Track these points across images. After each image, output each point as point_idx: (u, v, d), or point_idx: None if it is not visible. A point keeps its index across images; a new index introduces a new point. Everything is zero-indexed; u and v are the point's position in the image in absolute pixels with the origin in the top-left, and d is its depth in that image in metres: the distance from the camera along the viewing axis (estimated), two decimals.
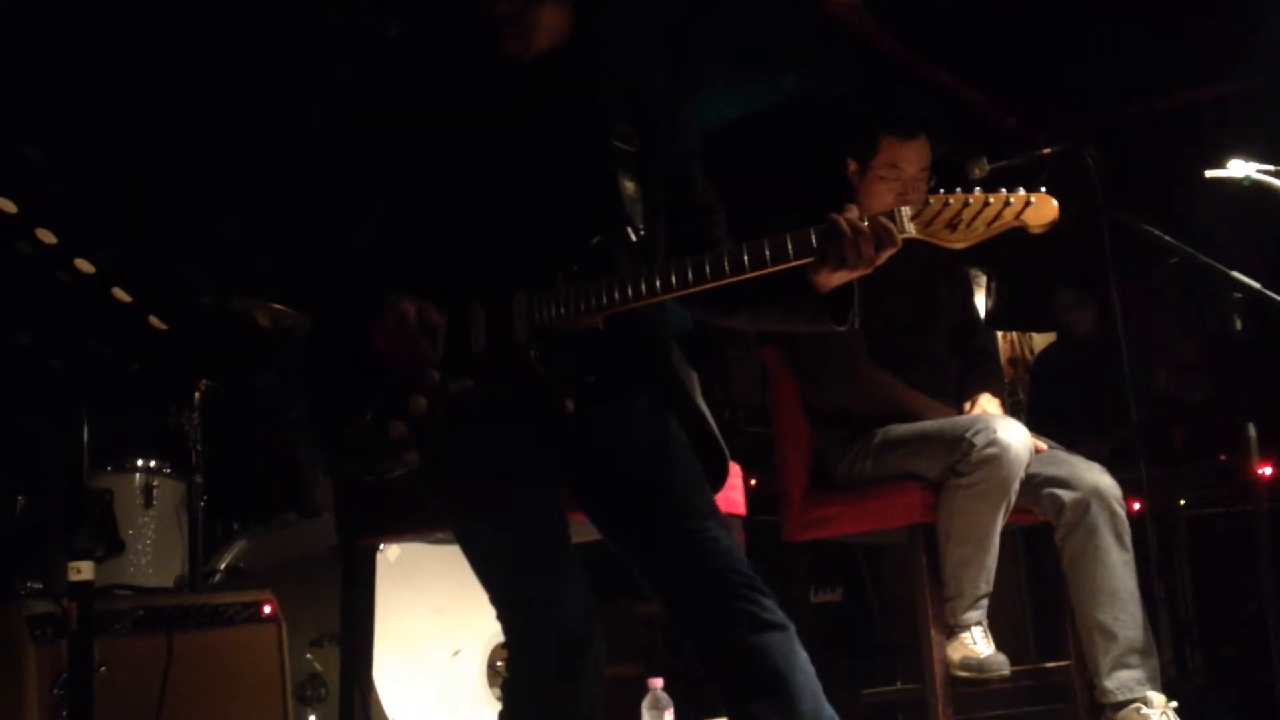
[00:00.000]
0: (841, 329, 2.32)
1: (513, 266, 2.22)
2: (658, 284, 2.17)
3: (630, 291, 2.17)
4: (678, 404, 2.37)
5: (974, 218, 2.22)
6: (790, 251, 2.16)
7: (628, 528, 2.28)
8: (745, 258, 2.16)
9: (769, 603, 2.19)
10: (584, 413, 2.24)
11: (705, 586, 2.18)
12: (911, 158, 3.50)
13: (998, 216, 2.22)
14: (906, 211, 2.21)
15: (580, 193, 2.29)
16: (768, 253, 2.16)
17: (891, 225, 2.17)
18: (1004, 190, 2.23)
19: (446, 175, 2.29)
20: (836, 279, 2.23)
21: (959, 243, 2.25)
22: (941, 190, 2.24)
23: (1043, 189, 2.25)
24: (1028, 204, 2.22)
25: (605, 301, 2.18)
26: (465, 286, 2.23)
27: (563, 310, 2.19)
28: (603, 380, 2.25)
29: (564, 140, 2.33)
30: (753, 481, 4.45)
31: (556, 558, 2.22)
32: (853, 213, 2.19)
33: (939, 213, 2.21)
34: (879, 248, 2.17)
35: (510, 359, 2.20)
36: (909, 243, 2.26)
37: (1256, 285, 3.14)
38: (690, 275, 2.16)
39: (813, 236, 2.16)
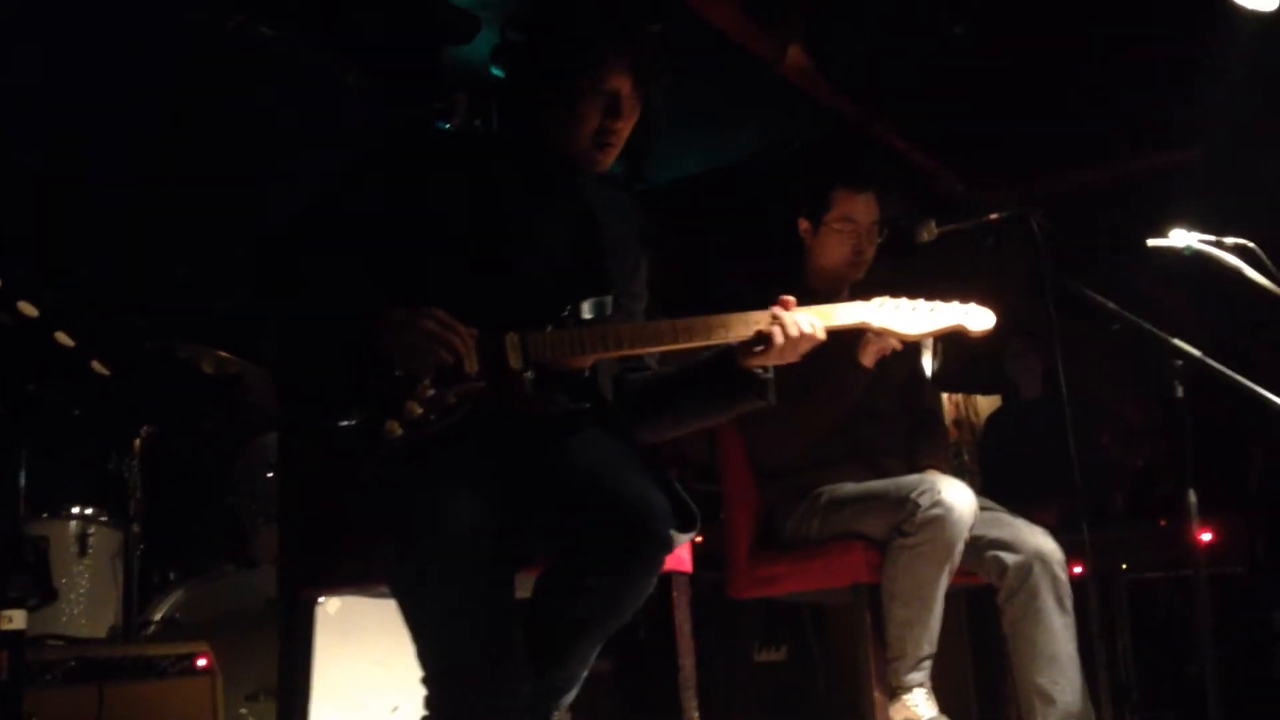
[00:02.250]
0: (764, 403, 2.54)
1: (505, 315, 2.37)
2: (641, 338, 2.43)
3: (618, 340, 2.40)
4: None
5: (924, 317, 2.67)
6: (714, 336, 2.45)
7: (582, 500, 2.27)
8: (693, 327, 2.44)
9: None
10: (562, 442, 2.35)
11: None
12: (865, 209, 3.59)
13: (943, 319, 2.68)
14: (875, 303, 2.64)
15: (573, 267, 2.52)
16: (700, 334, 2.44)
17: (817, 331, 2.49)
18: (948, 303, 2.70)
19: (459, 231, 2.45)
20: (760, 362, 2.49)
21: (910, 336, 2.69)
22: (897, 298, 2.68)
23: (977, 307, 2.70)
24: (967, 311, 2.70)
25: (600, 345, 2.38)
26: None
27: (555, 352, 2.36)
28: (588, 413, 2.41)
29: (565, 224, 2.58)
30: (699, 539, 4.46)
31: (501, 609, 2.22)
32: (791, 304, 2.50)
33: (895, 308, 2.66)
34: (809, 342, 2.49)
35: (503, 382, 2.32)
36: (858, 299, 2.54)
37: (1198, 353, 3.19)
38: (663, 335, 2.43)
39: (745, 331, 2.45)
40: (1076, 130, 5.67)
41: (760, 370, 2.51)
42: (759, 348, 2.46)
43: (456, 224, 2.46)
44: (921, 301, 2.70)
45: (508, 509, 2.28)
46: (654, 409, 2.60)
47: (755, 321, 2.48)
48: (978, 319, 2.72)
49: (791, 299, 2.51)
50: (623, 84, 2.49)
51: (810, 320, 2.48)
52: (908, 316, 2.68)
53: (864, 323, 2.63)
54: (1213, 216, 3.34)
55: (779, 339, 2.45)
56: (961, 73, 5.28)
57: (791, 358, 2.48)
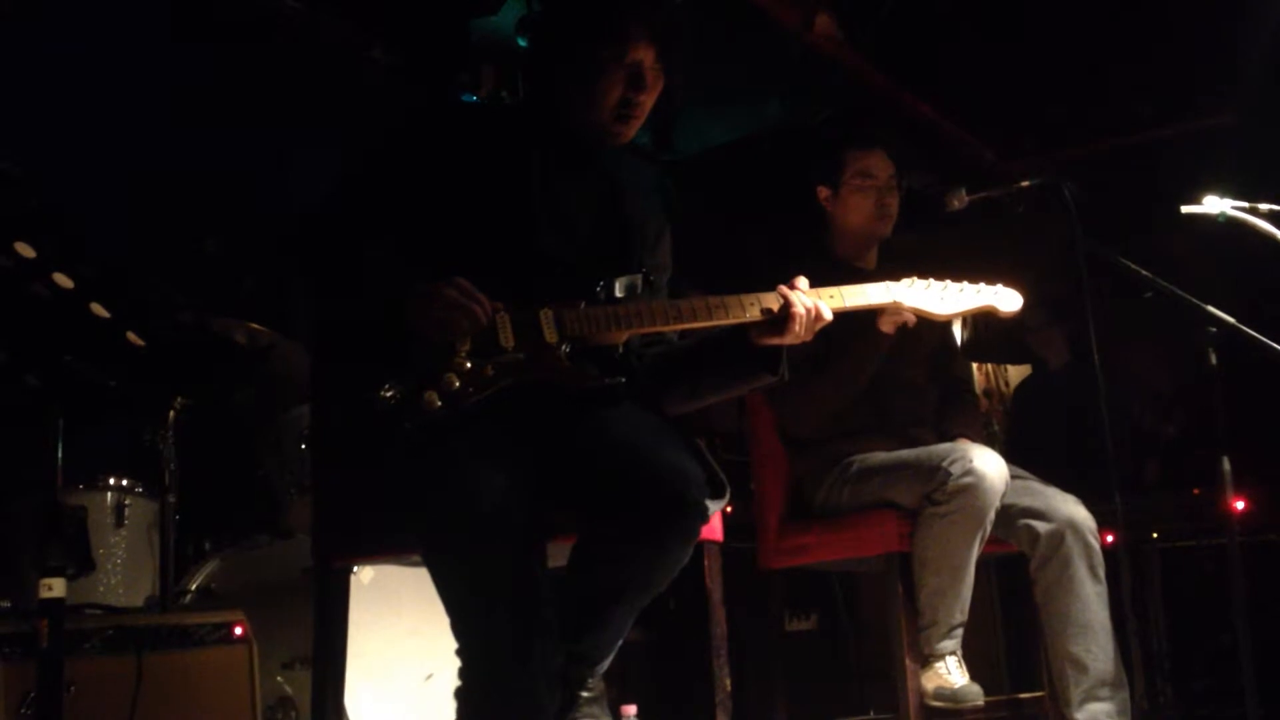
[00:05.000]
0: (776, 379, 2.57)
1: (538, 291, 2.38)
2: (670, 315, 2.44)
3: (651, 317, 2.41)
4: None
5: (954, 297, 2.76)
6: (745, 313, 2.47)
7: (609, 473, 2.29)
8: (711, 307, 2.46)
9: None
10: (596, 414, 2.36)
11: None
12: (879, 164, 3.61)
13: (973, 299, 2.78)
14: (905, 283, 2.68)
15: (603, 244, 2.56)
16: (728, 312, 2.47)
17: (823, 307, 2.50)
18: (975, 284, 2.79)
19: (487, 207, 2.47)
20: (773, 342, 2.51)
21: (941, 316, 2.77)
22: (928, 279, 2.76)
23: (1006, 288, 2.80)
24: (996, 292, 2.82)
25: (634, 322, 2.40)
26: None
27: (588, 327, 2.38)
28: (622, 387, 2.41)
29: (591, 198, 2.61)
30: (729, 509, 4.50)
31: (532, 581, 2.22)
32: (803, 284, 2.50)
33: (926, 288, 2.74)
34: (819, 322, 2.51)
35: (540, 355, 2.35)
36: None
37: (1231, 320, 3.17)
38: (696, 313, 2.45)
39: (772, 306, 2.47)
40: (1108, 97, 5.62)
41: (774, 346, 2.52)
42: (774, 326, 2.48)
43: (484, 200, 2.48)
44: (950, 282, 2.76)
45: (540, 481, 2.29)
46: (671, 383, 2.61)
47: (780, 300, 2.50)
48: (1007, 300, 2.80)
49: (804, 280, 2.52)
50: (645, 55, 2.49)
51: (818, 302, 2.50)
52: (938, 297, 2.74)
53: (896, 302, 2.66)
54: (1247, 182, 3.31)
55: (797, 322, 2.46)
56: (991, 40, 5.24)
57: (806, 337, 2.50)
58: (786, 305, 2.47)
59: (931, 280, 2.75)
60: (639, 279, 2.49)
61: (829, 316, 2.52)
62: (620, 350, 2.51)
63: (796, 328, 2.47)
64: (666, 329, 2.49)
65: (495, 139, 2.56)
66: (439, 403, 2.26)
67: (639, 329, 2.44)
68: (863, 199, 3.60)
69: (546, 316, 2.36)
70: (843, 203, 3.64)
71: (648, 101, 2.53)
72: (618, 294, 2.45)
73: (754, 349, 2.53)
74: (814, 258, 3.68)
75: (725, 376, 2.63)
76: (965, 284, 2.77)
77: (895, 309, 2.78)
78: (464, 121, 2.62)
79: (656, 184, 2.64)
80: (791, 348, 2.56)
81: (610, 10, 2.49)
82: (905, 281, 2.72)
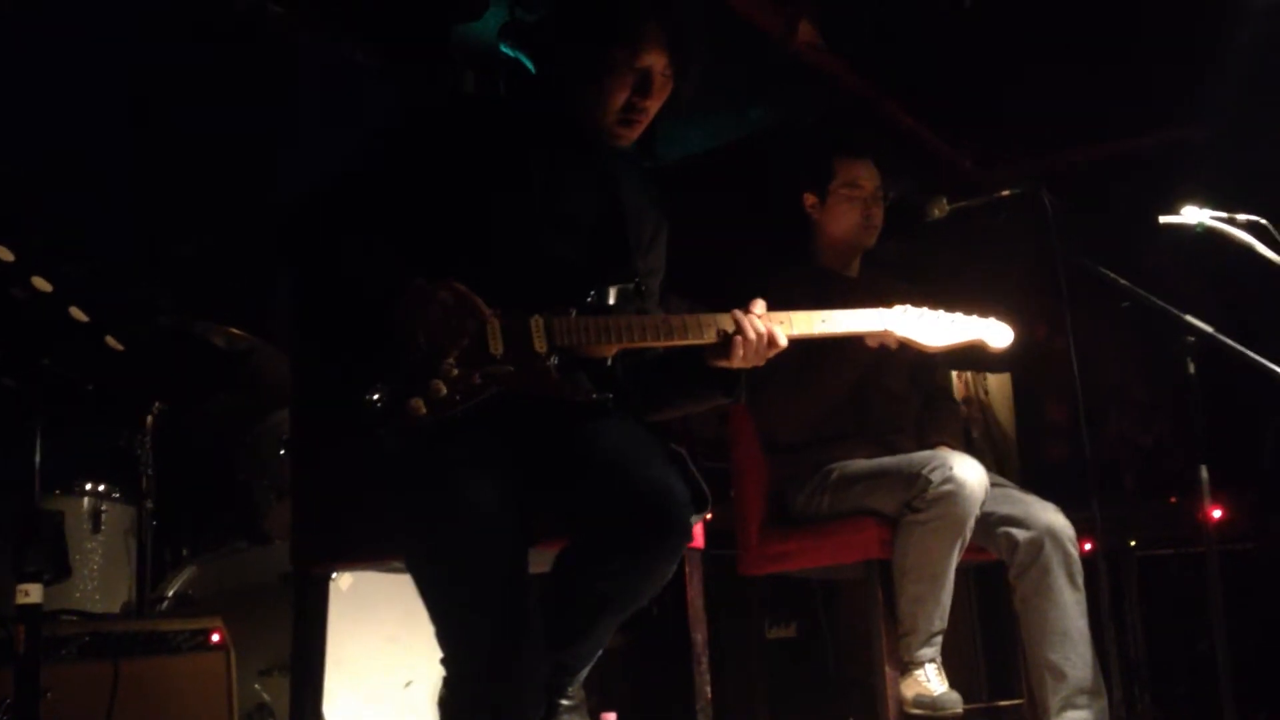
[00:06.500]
0: (729, 400, 2.55)
1: (530, 293, 2.35)
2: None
3: (643, 331, 2.39)
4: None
5: (945, 328, 2.69)
6: (703, 335, 2.43)
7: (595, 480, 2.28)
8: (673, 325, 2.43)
9: None
10: (584, 426, 2.34)
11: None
12: (866, 174, 3.63)
13: (963, 332, 2.70)
14: (898, 310, 2.64)
15: (599, 246, 2.52)
16: (688, 331, 2.43)
17: (777, 333, 2.46)
18: (967, 315, 2.73)
19: (484, 203, 2.44)
20: (721, 364, 2.47)
21: (931, 348, 2.68)
22: (918, 307, 2.69)
23: (997, 322, 2.76)
24: (988, 325, 2.74)
25: (624, 335, 2.37)
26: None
27: (578, 338, 2.35)
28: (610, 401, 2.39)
29: (591, 198, 2.57)
30: (709, 516, 4.48)
31: (520, 592, 2.22)
32: (760, 307, 2.46)
33: (919, 317, 2.66)
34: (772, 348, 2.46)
35: (529, 366, 2.31)
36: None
37: (1209, 329, 3.19)
38: (688, 329, 2.43)
39: (727, 328, 2.44)
40: (1088, 106, 5.65)
41: (728, 368, 2.50)
42: (725, 348, 2.45)
43: (485, 198, 2.45)
44: (943, 311, 2.73)
45: (527, 491, 2.28)
46: (634, 394, 2.59)
47: (777, 319, 2.49)
48: (998, 334, 2.76)
49: (761, 303, 2.49)
50: (657, 61, 2.47)
51: (773, 328, 2.47)
52: (930, 326, 2.70)
53: (886, 330, 2.64)
54: (1225, 193, 3.33)
55: (738, 349, 2.43)
56: (971, 48, 5.25)
57: (756, 362, 2.47)
58: (737, 329, 2.44)
59: (924, 309, 2.71)
60: (631, 289, 2.47)
61: (783, 343, 2.48)
62: (609, 363, 2.49)
63: (741, 353, 2.43)
64: (657, 344, 2.46)
65: (496, 136, 2.53)
66: (424, 410, 2.24)
67: (629, 343, 2.41)
68: (849, 209, 3.62)
69: (537, 324, 2.34)
70: (829, 211, 3.65)
71: (653, 107, 2.51)
72: (609, 302, 2.43)
73: (709, 369, 2.50)
74: (798, 265, 3.69)
75: (682, 394, 2.62)
76: (958, 314, 2.74)
77: (885, 337, 2.75)
78: (465, 117, 2.57)
79: (647, 184, 2.60)
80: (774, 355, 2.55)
81: (627, 12, 2.46)
82: (898, 309, 2.68)
